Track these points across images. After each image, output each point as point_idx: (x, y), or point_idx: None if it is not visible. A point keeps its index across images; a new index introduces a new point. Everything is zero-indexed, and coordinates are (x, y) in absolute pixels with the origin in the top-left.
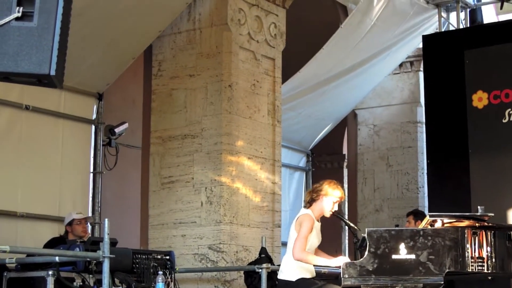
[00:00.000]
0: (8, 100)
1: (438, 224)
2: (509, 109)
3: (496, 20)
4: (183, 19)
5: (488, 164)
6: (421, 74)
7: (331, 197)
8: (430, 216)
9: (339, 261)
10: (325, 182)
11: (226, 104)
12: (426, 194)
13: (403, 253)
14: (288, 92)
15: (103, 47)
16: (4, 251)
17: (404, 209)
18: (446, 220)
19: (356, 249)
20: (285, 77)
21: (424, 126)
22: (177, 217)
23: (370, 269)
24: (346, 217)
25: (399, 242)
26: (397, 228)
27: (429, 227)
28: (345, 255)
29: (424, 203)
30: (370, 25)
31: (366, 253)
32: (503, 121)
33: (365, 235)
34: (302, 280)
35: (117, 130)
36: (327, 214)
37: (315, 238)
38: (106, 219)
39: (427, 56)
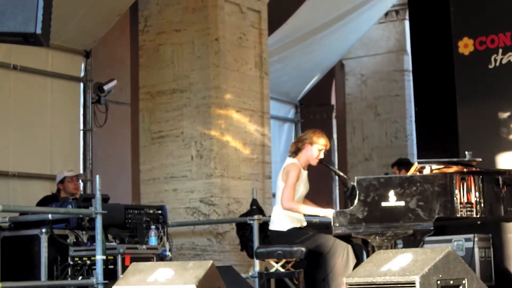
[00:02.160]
0: None
1: (426, 171)
2: (495, 55)
3: None
4: None
5: (476, 110)
6: (407, 23)
7: (316, 145)
8: (419, 163)
9: (329, 212)
10: (309, 131)
11: (214, 58)
12: (414, 142)
13: (392, 200)
14: (275, 44)
15: (89, 4)
16: None
17: (393, 157)
18: (434, 166)
19: (346, 198)
20: (272, 29)
21: (411, 74)
22: (168, 172)
23: (360, 217)
24: (336, 167)
25: (388, 190)
26: (386, 175)
27: (418, 173)
28: (336, 206)
29: (413, 151)
30: None
31: (356, 201)
32: (489, 67)
33: (355, 184)
34: (293, 230)
35: (105, 87)
36: (314, 162)
37: (303, 187)
38: (97, 176)
39: (412, 4)
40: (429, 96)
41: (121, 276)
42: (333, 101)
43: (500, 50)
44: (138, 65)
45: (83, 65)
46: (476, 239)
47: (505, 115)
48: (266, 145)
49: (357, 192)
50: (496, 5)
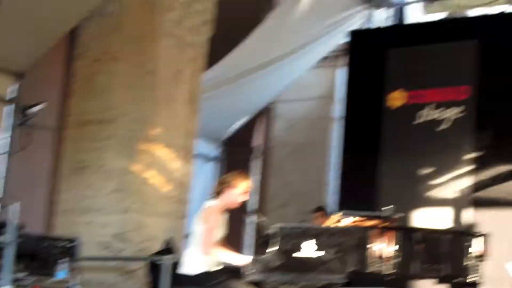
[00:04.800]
0: None
1: (346, 222)
2: (425, 109)
3: (421, 21)
4: (109, 1)
5: (398, 164)
6: (339, 71)
7: (239, 188)
8: (340, 214)
9: (246, 260)
10: (234, 174)
11: (147, 91)
12: (334, 191)
13: (308, 250)
14: (208, 81)
15: (26, 27)
16: None
17: (311, 205)
18: (354, 218)
19: (262, 243)
20: (208, 65)
21: (338, 122)
22: (85, 204)
23: (275, 265)
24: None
25: (305, 240)
26: (304, 225)
27: (337, 224)
28: (247, 249)
29: (332, 200)
30: (296, 18)
31: (272, 249)
32: (417, 122)
33: (272, 231)
34: (205, 274)
35: (31, 110)
36: (236, 205)
37: (221, 231)
38: (15, 203)
39: (352, 51)
40: (355, 146)
41: None
42: (258, 142)
43: (432, 105)
44: (69, 91)
45: (11, 87)
46: None
47: (426, 171)
48: (187, 184)
49: (274, 239)
50: (432, 60)
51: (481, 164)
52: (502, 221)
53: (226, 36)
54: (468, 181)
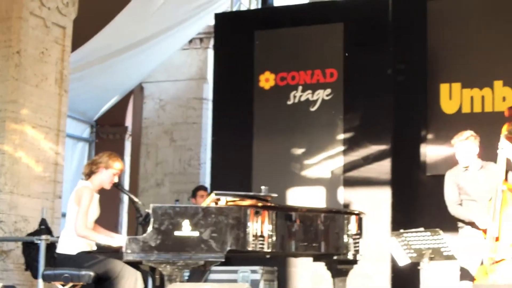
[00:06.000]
0: None
1: (222, 202)
2: (295, 91)
3: (287, 4)
4: None
5: (271, 144)
6: (210, 51)
7: (111, 169)
8: (216, 194)
9: (122, 241)
10: (105, 154)
11: (13, 71)
12: (208, 171)
13: (186, 230)
14: (76, 62)
15: None
16: None
17: (185, 185)
18: (230, 198)
19: (139, 223)
20: (74, 46)
21: (210, 103)
22: None
23: (153, 245)
24: (127, 190)
25: (183, 219)
26: (182, 205)
27: (214, 204)
28: (121, 228)
29: (205, 179)
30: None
31: (150, 228)
32: (288, 103)
33: (150, 211)
34: (82, 254)
35: None
36: (107, 186)
37: (94, 211)
38: None
39: (218, 34)
40: (227, 126)
41: None
42: (128, 122)
43: (300, 87)
44: None
45: None
46: (262, 271)
47: (299, 151)
48: (59, 164)
49: (152, 219)
50: (299, 43)
51: (351, 144)
52: (373, 200)
53: (93, 17)
54: (340, 161)
